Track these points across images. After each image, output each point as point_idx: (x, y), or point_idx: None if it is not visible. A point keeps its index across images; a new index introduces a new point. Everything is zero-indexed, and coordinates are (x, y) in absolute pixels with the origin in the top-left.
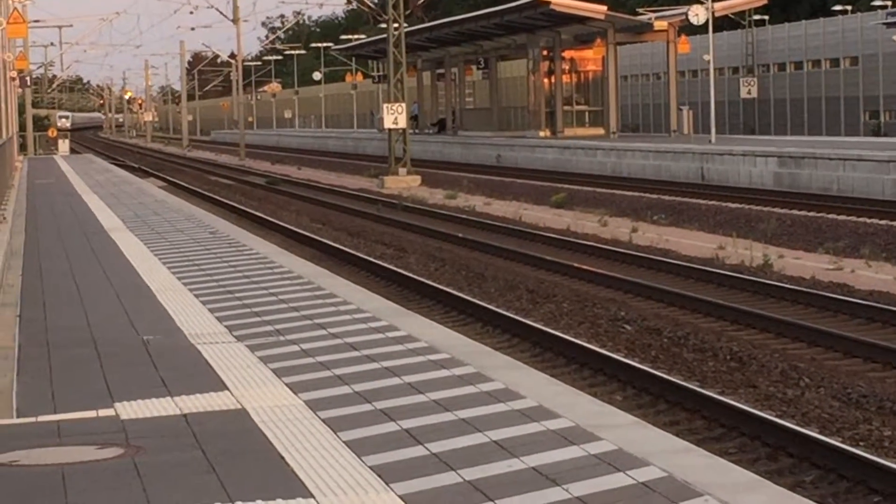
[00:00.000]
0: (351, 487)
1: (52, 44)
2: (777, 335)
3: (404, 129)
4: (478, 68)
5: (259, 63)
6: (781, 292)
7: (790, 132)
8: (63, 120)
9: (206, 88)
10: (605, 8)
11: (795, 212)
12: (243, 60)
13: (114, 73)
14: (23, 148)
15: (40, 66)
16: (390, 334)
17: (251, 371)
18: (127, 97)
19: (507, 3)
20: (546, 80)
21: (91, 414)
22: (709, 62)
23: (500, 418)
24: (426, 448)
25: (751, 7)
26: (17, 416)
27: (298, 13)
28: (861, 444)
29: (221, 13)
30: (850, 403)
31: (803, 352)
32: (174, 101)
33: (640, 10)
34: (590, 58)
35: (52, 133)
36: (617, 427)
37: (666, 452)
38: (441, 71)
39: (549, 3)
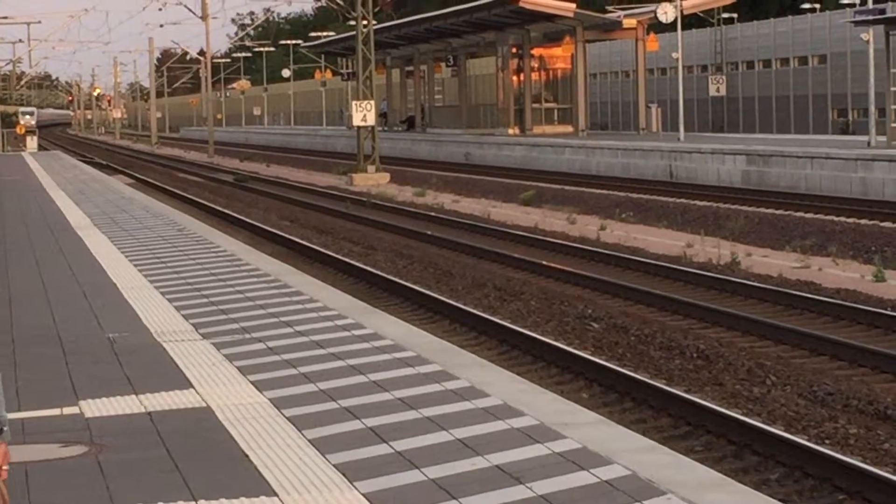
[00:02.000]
0: (315, 486)
1: (20, 40)
2: (744, 333)
3: (373, 127)
4: (447, 66)
5: (228, 60)
6: (748, 290)
7: (759, 130)
8: (27, 117)
9: (175, 85)
10: (573, 6)
11: (763, 210)
12: (212, 57)
13: (83, 69)
14: None
15: (8, 63)
16: (356, 332)
17: (216, 369)
18: (96, 94)
19: (477, 1)
20: (515, 78)
21: (55, 412)
22: (677, 60)
23: (465, 416)
24: (391, 446)
25: (719, 5)
26: None
27: (268, 10)
28: (826, 441)
29: (190, 10)
30: (815, 401)
31: (770, 350)
32: (143, 98)
33: (609, 8)
34: (559, 56)
35: (19, 130)
36: (582, 425)
37: (630, 451)
38: (410, 68)
39: (518, 0)
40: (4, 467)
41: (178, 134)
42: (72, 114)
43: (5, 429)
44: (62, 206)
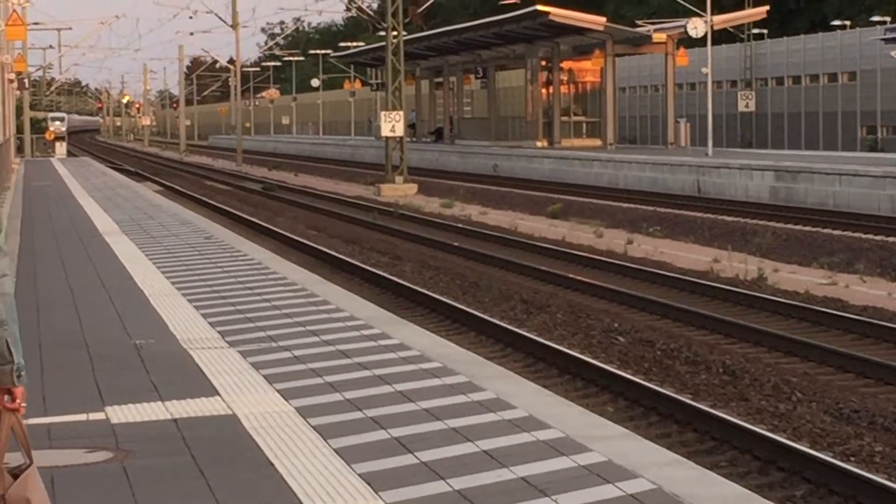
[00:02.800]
0: (340, 495)
1: (50, 46)
2: (770, 349)
3: (402, 138)
4: (476, 77)
5: (258, 69)
6: (775, 306)
7: (787, 146)
8: (57, 123)
9: (205, 93)
10: (604, 19)
11: (791, 226)
12: (242, 66)
13: (112, 76)
14: (20, 150)
15: (39, 69)
16: (383, 342)
17: (243, 377)
18: (125, 101)
19: (507, 13)
20: (544, 91)
21: (81, 417)
22: (707, 75)
23: (490, 428)
24: (416, 457)
25: (750, 21)
26: None
27: (298, 20)
28: (852, 459)
29: (221, 19)
30: (841, 418)
31: (796, 366)
32: (172, 106)
33: (639, 22)
34: (588, 69)
35: (49, 136)
36: (607, 438)
37: (656, 465)
38: (439, 80)
39: (549, 13)
40: (23, 404)
41: (206, 142)
42: (100, 120)
43: (23, 373)
44: (90, 213)
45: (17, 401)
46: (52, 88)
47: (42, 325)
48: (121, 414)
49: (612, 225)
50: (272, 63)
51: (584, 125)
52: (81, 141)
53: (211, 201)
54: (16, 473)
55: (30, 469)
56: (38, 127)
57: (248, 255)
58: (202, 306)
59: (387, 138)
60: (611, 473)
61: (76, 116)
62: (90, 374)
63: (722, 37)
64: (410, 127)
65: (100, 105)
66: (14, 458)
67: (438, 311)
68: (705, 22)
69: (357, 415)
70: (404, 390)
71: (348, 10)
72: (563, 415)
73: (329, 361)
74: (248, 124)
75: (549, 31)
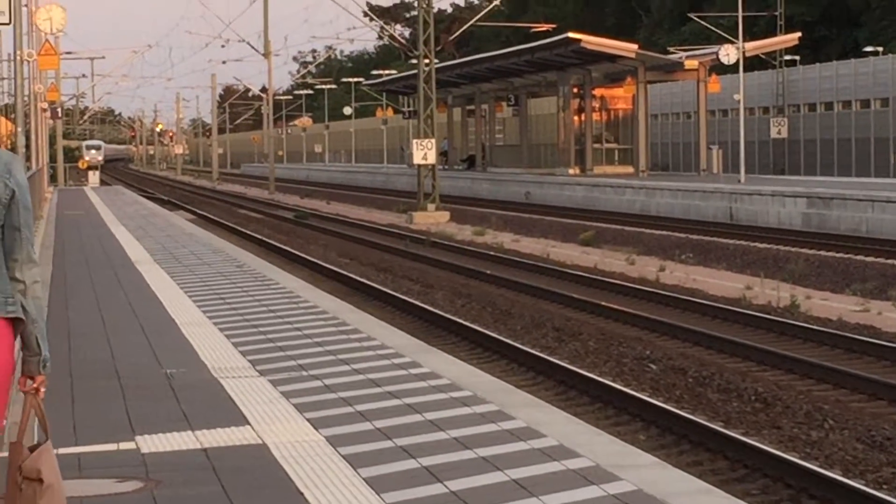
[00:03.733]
0: None
1: (83, 75)
2: (802, 376)
3: (434, 165)
4: (508, 105)
5: (290, 97)
6: (807, 333)
7: (820, 173)
8: (92, 151)
9: (237, 122)
10: (635, 46)
11: (823, 253)
12: (274, 94)
13: (145, 105)
14: (53, 179)
15: (72, 98)
16: (413, 371)
17: (273, 406)
18: (158, 129)
19: (538, 41)
20: (576, 118)
21: (112, 447)
22: (739, 102)
23: (520, 457)
24: (445, 486)
25: (782, 47)
26: None
27: (330, 48)
28: (884, 487)
29: (253, 47)
30: (874, 446)
31: (828, 393)
32: (205, 134)
33: (671, 49)
34: (620, 96)
35: (82, 165)
36: (638, 467)
37: (687, 493)
38: (471, 107)
39: (580, 41)
40: (42, 391)
41: (239, 170)
42: (133, 149)
43: (48, 364)
44: (123, 241)
45: (36, 386)
46: (86, 117)
47: (73, 354)
48: (151, 443)
49: (645, 252)
50: (304, 91)
51: (617, 152)
52: (114, 169)
53: (243, 229)
54: (33, 448)
55: (45, 444)
56: (72, 156)
57: (280, 284)
58: (233, 335)
59: (419, 166)
60: (641, 502)
61: (110, 145)
62: (121, 404)
63: (754, 63)
64: (442, 154)
65: (132, 133)
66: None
67: (470, 339)
68: (737, 49)
69: (387, 444)
70: (434, 419)
71: (380, 38)
72: (593, 443)
73: (359, 390)
74: (280, 152)
75: (581, 59)
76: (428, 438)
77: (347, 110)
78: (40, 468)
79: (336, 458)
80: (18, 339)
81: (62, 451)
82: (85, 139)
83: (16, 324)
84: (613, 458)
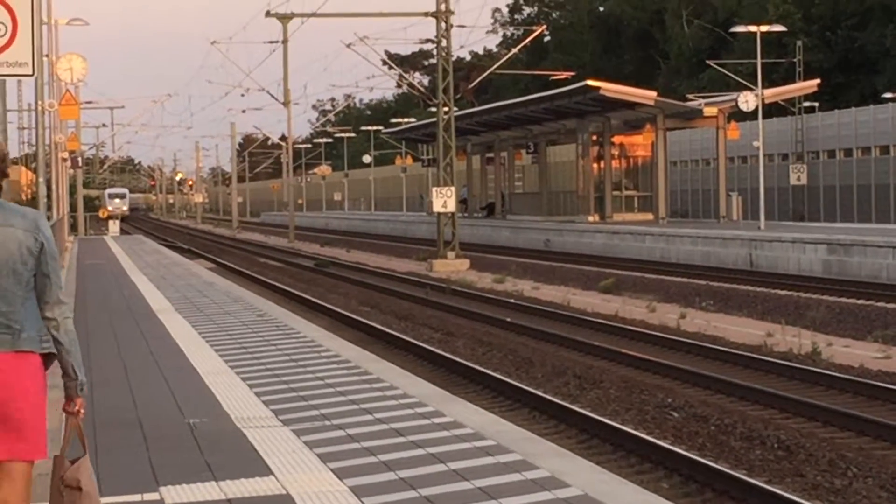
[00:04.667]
0: None
1: (103, 125)
2: (825, 424)
3: (453, 213)
4: (527, 152)
5: (309, 145)
6: (830, 381)
7: (840, 219)
8: (116, 200)
9: (257, 170)
10: (654, 94)
11: (844, 299)
12: (294, 143)
13: (165, 153)
14: (73, 228)
15: (92, 147)
16: (436, 420)
17: (297, 456)
18: (178, 178)
19: (557, 88)
20: (595, 165)
21: (136, 498)
22: (758, 148)
23: None
24: None
25: (801, 94)
26: None
27: (349, 96)
28: None
29: (272, 96)
30: None
31: (851, 441)
32: (224, 183)
33: (690, 96)
34: (639, 143)
35: (102, 214)
36: None
37: None
38: (490, 155)
39: (599, 88)
40: (82, 412)
41: (258, 218)
42: (152, 198)
43: (85, 387)
44: (143, 290)
45: (77, 408)
46: (105, 166)
47: (96, 403)
48: (175, 495)
49: (665, 299)
50: (324, 139)
51: (636, 199)
52: (134, 218)
53: (264, 278)
54: (73, 461)
55: (84, 458)
56: (92, 205)
57: (301, 333)
58: (255, 384)
59: (438, 214)
60: None
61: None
62: (144, 454)
63: (773, 110)
64: (462, 202)
65: (152, 182)
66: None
67: (492, 387)
68: (756, 95)
69: (412, 494)
70: (458, 469)
71: (399, 86)
72: (617, 493)
73: (383, 440)
74: (300, 201)
75: (600, 106)
76: (452, 489)
77: (367, 158)
78: (80, 478)
79: None
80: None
81: None
82: (105, 188)
83: (48, 359)
84: None
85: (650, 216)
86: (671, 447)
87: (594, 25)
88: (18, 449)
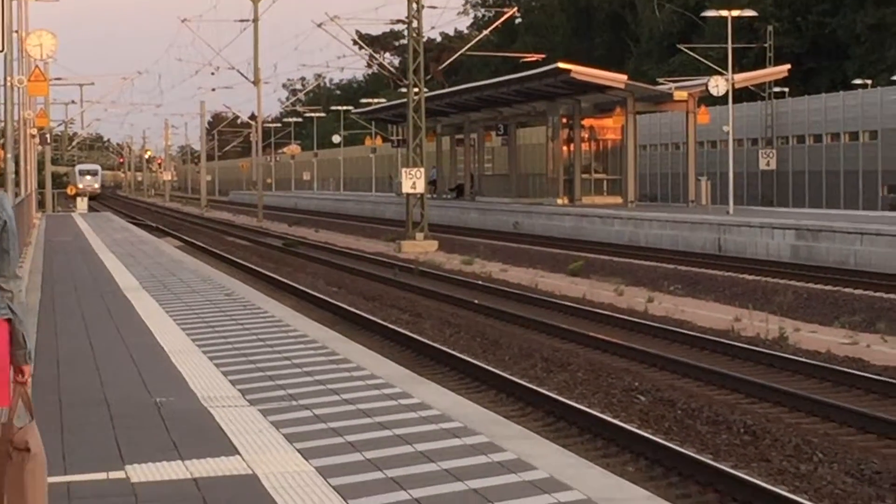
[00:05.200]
0: None
1: (73, 101)
2: (791, 409)
3: (422, 194)
4: (497, 134)
5: (279, 125)
6: (796, 366)
7: (808, 205)
8: (88, 177)
9: (226, 149)
10: (625, 77)
11: (812, 285)
12: (263, 122)
13: (134, 131)
14: (41, 205)
15: (61, 124)
16: (403, 401)
17: (263, 436)
18: (147, 156)
19: (528, 71)
20: (565, 148)
21: (101, 476)
22: (728, 133)
23: (511, 489)
24: None
25: (771, 79)
26: None
27: (319, 76)
28: None
29: (242, 75)
30: (863, 480)
31: (817, 426)
32: (193, 161)
33: (660, 80)
34: (609, 126)
35: (70, 191)
36: (629, 500)
37: None
38: (460, 136)
39: (570, 71)
40: (29, 380)
41: (227, 197)
42: (121, 175)
43: (33, 356)
44: (111, 268)
45: (25, 376)
46: (74, 143)
47: (62, 382)
48: (141, 473)
49: (633, 283)
50: (293, 119)
51: (605, 182)
52: (103, 196)
53: (231, 257)
54: (21, 427)
55: (31, 423)
56: (60, 182)
57: (269, 312)
58: (222, 364)
59: (407, 195)
60: None
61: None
62: (110, 432)
63: (743, 95)
64: (431, 183)
65: (121, 160)
66: None
67: (459, 369)
68: (727, 80)
69: (377, 475)
70: (425, 450)
71: (370, 66)
72: (583, 476)
73: (349, 420)
74: (269, 180)
75: (571, 89)
76: (419, 470)
77: (336, 138)
78: (28, 440)
79: (326, 489)
80: None
81: (51, 479)
82: (74, 165)
83: (10, 323)
84: (605, 492)
85: (619, 199)
86: (638, 431)
87: (565, 8)
88: None
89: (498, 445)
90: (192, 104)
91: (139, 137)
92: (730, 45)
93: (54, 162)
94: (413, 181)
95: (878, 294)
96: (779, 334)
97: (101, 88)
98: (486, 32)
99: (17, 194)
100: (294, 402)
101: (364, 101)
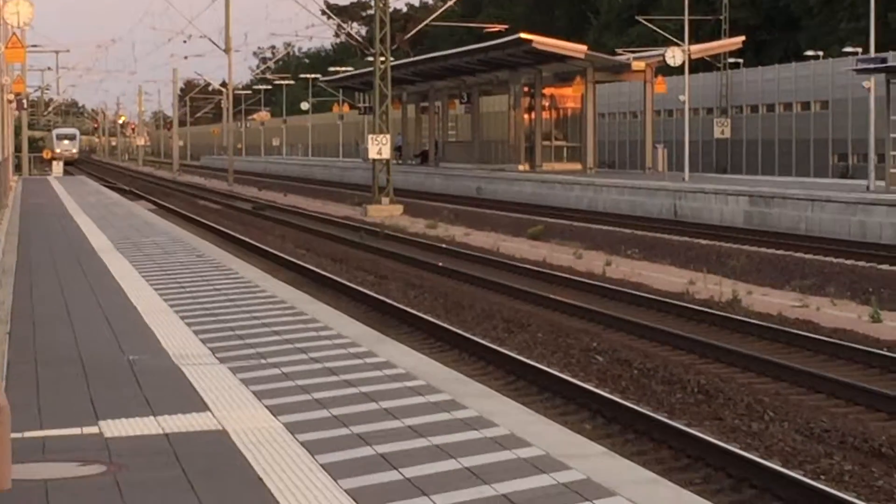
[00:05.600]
0: None
1: (49, 68)
2: (743, 369)
3: (388, 160)
4: (461, 102)
5: (249, 92)
6: (749, 328)
7: (761, 172)
8: (65, 142)
9: (198, 115)
10: (585, 48)
11: (764, 250)
12: (234, 89)
13: (108, 97)
14: (18, 168)
15: (37, 90)
16: (369, 360)
17: (232, 393)
18: (121, 121)
19: (491, 41)
20: (526, 116)
21: (76, 431)
22: (684, 102)
23: (472, 445)
24: (400, 473)
25: (726, 50)
26: None
27: (288, 45)
28: (822, 477)
29: (214, 43)
30: (812, 438)
31: (768, 386)
32: (166, 127)
33: (619, 51)
34: (569, 95)
35: (46, 155)
36: (586, 457)
37: (633, 483)
38: (425, 104)
39: (532, 41)
40: None
41: (199, 162)
42: (96, 140)
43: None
44: (86, 230)
45: None
46: (50, 109)
47: (38, 341)
48: (114, 428)
49: (592, 247)
50: (263, 86)
51: (565, 149)
52: (78, 160)
53: (203, 220)
54: None
55: None
56: (36, 146)
57: (239, 274)
58: (194, 323)
59: (374, 160)
60: (589, 491)
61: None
62: (84, 389)
63: (699, 66)
64: (397, 150)
65: (96, 125)
66: None
67: (423, 329)
68: (683, 51)
69: (343, 431)
70: (389, 408)
71: (337, 35)
72: (543, 433)
73: (317, 378)
74: (239, 145)
75: (532, 59)
76: (383, 426)
77: (305, 105)
78: None
79: (294, 445)
80: None
81: (27, 434)
82: (49, 129)
83: None
84: (563, 448)
85: (578, 166)
86: (595, 390)
87: None
88: None
89: (460, 403)
90: (165, 71)
91: (113, 103)
92: (686, 18)
93: (31, 127)
94: (379, 147)
95: (827, 259)
96: (732, 297)
97: (76, 55)
98: (450, 3)
99: None
100: (263, 361)
101: (332, 69)
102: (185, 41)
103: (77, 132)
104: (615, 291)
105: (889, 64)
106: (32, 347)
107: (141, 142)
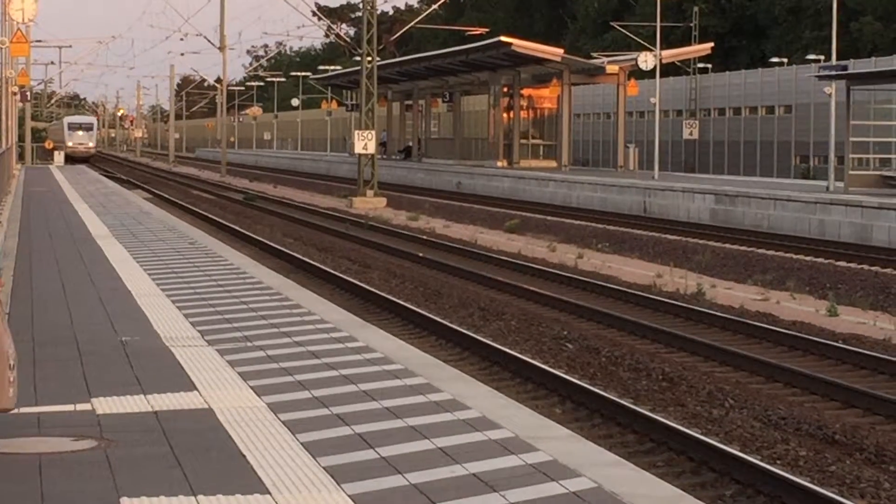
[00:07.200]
0: (305, 486)
1: (52, 62)
2: (706, 358)
3: (373, 155)
4: (443, 101)
5: (242, 88)
6: (712, 319)
7: (727, 172)
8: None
9: (193, 109)
10: (561, 51)
11: (728, 245)
12: (228, 85)
13: (108, 91)
14: (21, 158)
15: (40, 83)
16: (350, 344)
17: (219, 373)
18: (119, 114)
19: (473, 43)
20: (505, 115)
21: (69, 408)
22: (655, 105)
23: (446, 427)
24: (377, 452)
25: (695, 56)
26: None
27: (280, 44)
28: (778, 462)
29: (209, 41)
30: (770, 424)
31: (729, 375)
32: (163, 120)
33: (594, 55)
34: (546, 96)
35: (48, 145)
36: (554, 439)
37: (598, 465)
38: (409, 102)
39: (511, 44)
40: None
41: (193, 154)
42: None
43: (2, 268)
44: (84, 217)
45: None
46: (52, 101)
47: (35, 321)
48: (106, 405)
49: (565, 240)
50: (256, 83)
51: (542, 147)
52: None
53: (196, 209)
54: None
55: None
56: (39, 136)
57: (229, 261)
58: (184, 307)
59: (359, 155)
60: (555, 472)
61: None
62: (79, 368)
63: (670, 70)
64: (382, 145)
65: (96, 118)
66: None
67: (402, 316)
68: (655, 56)
69: (324, 412)
70: (368, 390)
71: (327, 36)
72: (513, 416)
73: (300, 361)
74: (232, 139)
75: (511, 61)
76: (362, 408)
77: (295, 102)
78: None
79: (276, 424)
80: None
81: (23, 410)
82: (51, 121)
83: None
84: (532, 430)
85: (554, 163)
86: (565, 376)
87: None
88: None
89: (435, 387)
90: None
91: (113, 97)
92: (658, 24)
93: (34, 118)
94: (365, 142)
95: (788, 255)
96: (697, 290)
97: (78, 51)
98: (434, 7)
99: None
100: (249, 344)
101: (321, 67)
102: (181, 39)
103: (94, 121)
104: (586, 283)
105: (849, 71)
106: (31, 328)
107: (139, 134)
